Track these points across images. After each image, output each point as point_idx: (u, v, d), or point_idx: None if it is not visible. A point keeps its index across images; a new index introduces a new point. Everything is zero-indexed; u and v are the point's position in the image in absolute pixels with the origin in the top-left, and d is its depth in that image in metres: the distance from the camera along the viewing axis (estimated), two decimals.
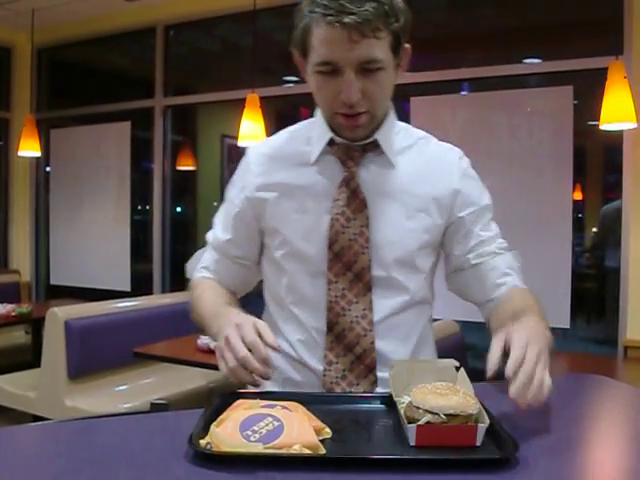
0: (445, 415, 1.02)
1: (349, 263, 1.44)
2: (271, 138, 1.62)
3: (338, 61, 1.32)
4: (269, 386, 1.48)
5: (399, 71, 1.44)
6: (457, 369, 1.21)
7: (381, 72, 1.36)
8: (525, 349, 1.15)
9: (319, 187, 1.48)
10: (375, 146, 1.48)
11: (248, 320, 1.25)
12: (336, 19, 1.28)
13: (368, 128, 1.45)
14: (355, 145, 1.47)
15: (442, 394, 1.05)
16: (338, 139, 1.47)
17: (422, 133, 1.60)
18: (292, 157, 1.52)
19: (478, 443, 1.00)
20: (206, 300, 1.53)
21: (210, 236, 1.65)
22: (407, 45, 1.42)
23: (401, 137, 1.54)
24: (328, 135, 1.47)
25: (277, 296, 1.55)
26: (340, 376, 1.43)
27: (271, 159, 1.54)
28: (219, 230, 1.62)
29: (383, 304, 1.47)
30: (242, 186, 1.56)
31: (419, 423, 1.01)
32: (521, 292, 1.51)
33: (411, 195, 1.49)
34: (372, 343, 1.44)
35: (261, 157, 1.55)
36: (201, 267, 1.64)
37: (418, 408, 1.04)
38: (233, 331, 1.22)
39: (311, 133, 1.52)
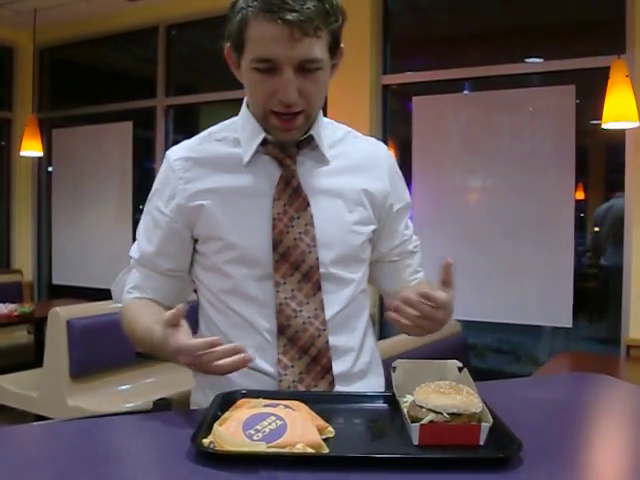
0: (448, 414, 1.02)
1: (296, 263, 1.41)
2: (191, 142, 1.53)
3: (277, 59, 1.29)
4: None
5: (334, 72, 1.43)
6: (460, 370, 1.21)
7: (319, 72, 1.34)
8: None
9: (256, 188, 1.43)
10: (309, 142, 1.46)
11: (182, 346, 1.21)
12: (278, 15, 1.24)
13: (303, 129, 1.43)
14: (290, 142, 1.44)
15: (445, 393, 1.05)
16: (271, 137, 1.43)
17: (347, 127, 1.58)
18: (222, 160, 1.46)
19: (481, 442, 1.00)
20: (139, 324, 1.43)
21: (135, 252, 1.55)
22: (342, 45, 1.40)
23: (330, 132, 1.52)
24: (261, 135, 1.43)
25: (220, 303, 1.47)
26: (297, 379, 1.38)
27: (199, 164, 1.47)
28: (144, 244, 1.52)
29: (333, 300, 1.45)
30: (170, 194, 1.47)
31: (422, 422, 1.01)
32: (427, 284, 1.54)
33: (349, 190, 1.48)
34: (327, 342, 1.41)
35: (187, 163, 1.47)
36: (129, 288, 1.53)
37: (421, 407, 1.04)
38: (180, 356, 1.21)
39: (238, 134, 1.47)
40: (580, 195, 5.07)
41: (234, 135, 1.48)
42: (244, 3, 1.30)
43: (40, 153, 5.67)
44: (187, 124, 6.81)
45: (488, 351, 4.90)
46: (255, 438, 0.94)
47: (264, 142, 1.44)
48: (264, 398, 1.09)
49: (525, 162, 4.11)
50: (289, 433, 0.96)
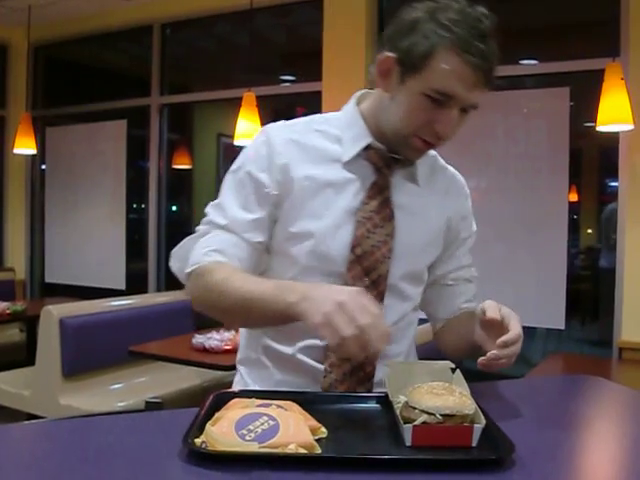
0: (441, 415, 1.02)
1: (368, 269, 1.43)
2: (292, 125, 1.51)
3: (457, 97, 1.32)
4: (259, 387, 1.47)
5: None
6: (453, 371, 1.21)
7: (468, 115, 1.40)
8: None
9: (347, 187, 1.45)
10: (408, 163, 1.50)
11: (357, 291, 1.18)
12: (474, 59, 1.28)
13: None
14: (391, 154, 1.46)
15: (438, 394, 1.05)
16: (376, 144, 1.45)
17: (432, 151, 1.59)
18: (320, 152, 1.46)
19: (474, 444, 1.00)
20: (248, 278, 1.35)
21: (220, 217, 1.45)
22: None
23: None
24: (367, 139, 1.45)
25: None
26: (340, 379, 1.40)
27: (299, 149, 1.46)
28: (236, 211, 1.44)
29: (391, 312, 1.46)
30: (268, 167, 1.44)
31: (415, 423, 1.01)
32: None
33: (432, 214, 1.53)
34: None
35: (289, 143, 1.46)
36: (210, 250, 1.40)
37: (414, 408, 1.04)
38: (349, 297, 1.14)
39: (339, 131, 1.48)
40: (574, 197, 5.09)
41: (334, 131, 1.49)
42: (436, 29, 1.30)
43: (34, 151, 5.65)
44: (181, 123, 6.81)
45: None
46: (247, 438, 0.94)
47: (367, 147, 1.45)
48: (257, 398, 1.09)
49: (519, 164, 4.12)
50: (281, 433, 0.95)
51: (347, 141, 1.47)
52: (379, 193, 1.45)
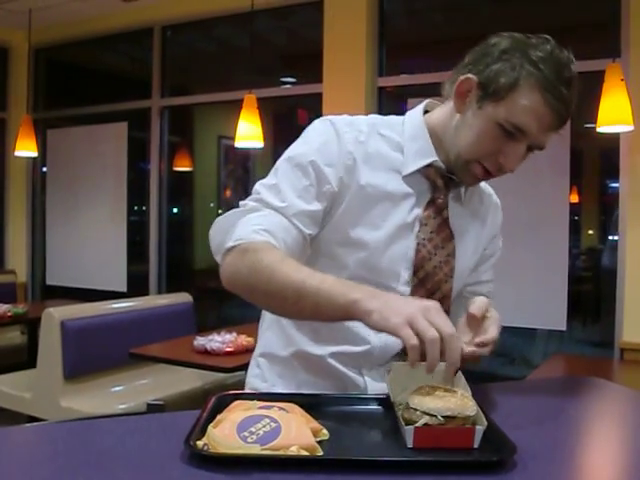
0: (443, 417, 1.02)
1: (431, 290, 1.43)
2: (359, 124, 1.45)
3: (529, 135, 1.32)
4: (280, 387, 1.48)
5: None
6: (455, 372, 1.21)
7: (531, 154, 1.40)
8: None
9: (404, 201, 1.43)
10: (459, 184, 1.49)
11: (436, 303, 1.13)
12: (556, 103, 1.29)
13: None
14: (448, 174, 1.45)
15: (439, 396, 1.05)
16: (439, 163, 1.44)
17: None
18: (384, 159, 1.44)
19: (475, 445, 0.99)
20: (303, 267, 1.27)
21: (276, 200, 1.37)
22: None
23: None
24: (432, 157, 1.43)
25: None
26: None
27: (365, 151, 1.42)
28: (293, 197, 1.37)
29: None
30: (335, 162, 1.39)
31: (417, 425, 1.01)
32: None
33: (473, 234, 1.54)
34: None
35: (357, 144, 1.42)
36: (261, 229, 1.32)
37: (415, 410, 1.04)
38: (433, 305, 1.11)
39: (402, 140, 1.46)
40: (574, 198, 5.08)
41: (397, 138, 1.46)
42: (525, 64, 1.30)
43: (35, 153, 5.65)
44: (182, 125, 6.81)
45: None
46: (249, 440, 0.94)
47: (429, 164, 1.44)
48: (258, 400, 1.09)
49: (520, 165, 4.11)
50: (283, 435, 0.95)
51: (410, 154, 1.44)
52: (438, 213, 1.45)
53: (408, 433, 1.00)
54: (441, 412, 1.02)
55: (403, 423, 1.03)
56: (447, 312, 1.42)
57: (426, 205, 1.44)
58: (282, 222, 1.35)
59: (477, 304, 1.27)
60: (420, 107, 1.52)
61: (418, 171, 1.44)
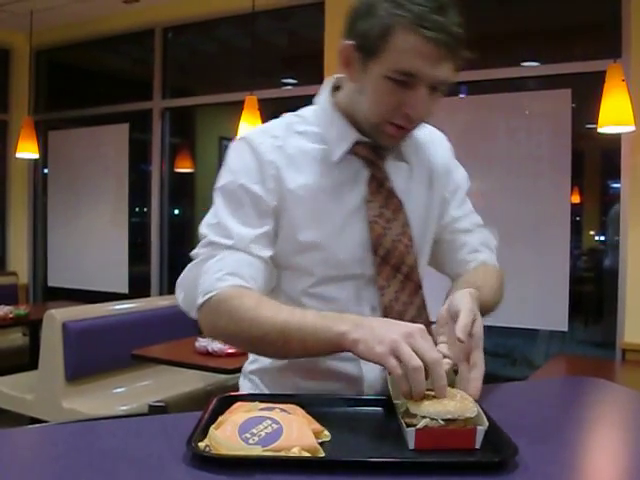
0: (443, 420, 1.01)
1: (397, 265, 1.40)
2: (272, 130, 1.43)
3: (421, 76, 1.26)
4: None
5: None
6: (456, 373, 1.21)
7: (440, 93, 1.34)
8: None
9: (344, 188, 1.41)
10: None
11: (420, 327, 1.12)
12: (431, 34, 1.22)
13: (405, 139, 1.44)
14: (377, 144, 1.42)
15: (439, 399, 1.05)
16: (363, 139, 1.40)
17: None
18: (308, 156, 1.41)
19: (477, 446, 0.99)
20: (281, 307, 1.26)
21: (223, 238, 1.36)
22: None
23: None
24: (354, 135, 1.40)
25: (295, 304, 1.37)
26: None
27: (286, 154, 1.40)
28: (238, 227, 1.36)
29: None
30: (261, 177, 1.37)
31: (418, 427, 1.01)
32: (485, 269, 1.53)
33: (425, 187, 1.50)
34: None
35: (275, 151, 1.39)
36: (224, 274, 1.30)
37: (415, 415, 1.04)
38: (417, 330, 1.09)
39: (322, 130, 1.43)
40: (576, 199, 5.08)
41: (316, 129, 1.43)
42: (391, 9, 1.25)
43: (36, 155, 5.67)
44: (183, 126, 6.81)
45: (484, 354, 4.90)
46: (251, 442, 0.94)
47: (354, 142, 1.41)
48: (260, 401, 1.09)
49: (521, 165, 4.12)
50: (285, 437, 0.95)
51: (332, 140, 1.42)
52: (381, 186, 1.41)
53: (409, 435, 1.00)
54: (441, 415, 1.02)
55: (404, 425, 1.03)
56: (418, 283, 1.43)
57: (368, 182, 1.41)
58: (240, 258, 1.33)
59: (461, 322, 1.17)
60: (326, 90, 1.47)
61: (348, 154, 1.41)
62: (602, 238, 4.88)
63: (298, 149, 1.41)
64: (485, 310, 1.33)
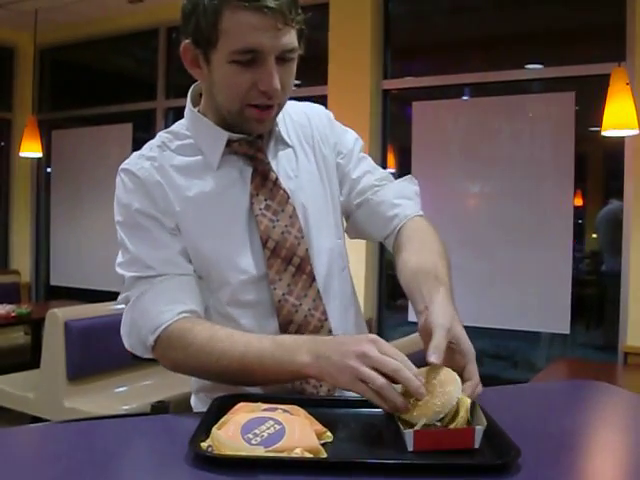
0: (438, 422, 1.02)
1: (287, 257, 1.37)
2: (147, 152, 1.43)
3: (263, 49, 1.24)
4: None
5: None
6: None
7: (293, 62, 1.31)
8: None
9: (231, 191, 1.39)
10: (271, 131, 1.44)
11: (369, 337, 1.11)
12: (261, 4, 1.19)
13: (274, 121, 1.41)
14: (254, 137, 1.40)
15: (423, 403, 1.04)
16: (235, 136, 1.38)
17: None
18: (187, 169, 1.38)
19: (476, 445, 0.99)
20: (234, 337, 1.24)
21: (143, 270, 1.33)
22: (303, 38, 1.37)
23: None
24: (224, 136, 1.37)
25: (219, 316, 1.39)
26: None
27: (166, 174, 1.38)
28: (153, 253, 1.33)
29: (327, 289, 1.43)
30: (149, 201, 1.35)
31: (416, 428, 1.01)
32: (420, 234, 1.47)
33: (314, 164, 1.48)
34: (330, 331, 1.39)
35: (155, 172, 1.38)
36: (165, 307, 1.29)
37: (415, 424, 1.03)
38: (367, 345, 1.08)
39: (194, 140, 1.41)
40: (579, 202, 5.08)
41: (188, 142, 1.42)
42: None
43: (39, 154, 5.67)
44: None
45: (485, 357, 4.91)
46: (253, 442, 0.94)
47: (228, 142, 1.38)
48: (263, 402, 1.09)
49: (524, 168, 4.12)
50: (287, 437, 0.95)
51: (207, 146, 1.40)
52: (265, 179, 1.39)
53: (408, 437, 1.00)
54: (432, 420, 1.02)
55: (402, 428, 1.03)
56: (311, 274, 1.39)
57: (252, 178, 1.39)
58: (171, 284, 1.32)
59: (432, 343, 1.10)
60: (188, 101, 1.45)
61: (227, 155, 1.39)
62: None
63: (176, 166, 1.39)
64: (452, 292, 1.29)
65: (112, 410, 3.63)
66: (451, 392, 1.04)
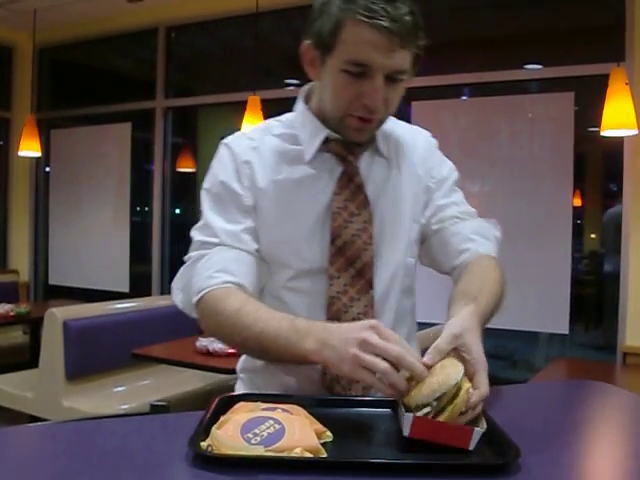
0: (435, 401, 1.02)
1: (352, 259, 1.42)
2: (249, 133, 1.52)
3: (373, 65, 1.30)
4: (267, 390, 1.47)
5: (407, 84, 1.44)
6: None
7: (401, 83, 1.37)
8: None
9: (316, 182, 1.45)
10: (370, 140, 1.48)
11: (371, 323, 1.14)
12: (380, 23, 1.25)
13: (374, 133, 1.46)
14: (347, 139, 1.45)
15: (422, 383, 1.05)
16: (334, 135, 1.45)
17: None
18: (282, 155, 1.47)
19: (471, 447, 0.99)
20: (259, 312, 1.30)
21: (210, 237, 1.43)
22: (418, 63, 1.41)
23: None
24: (323, 132, 1.45)
25: (272, 298, 1.47)
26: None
27: (260, 154, 1.47)
28: (223, 224, 1.43)
29: (383, 300, 1.46)
30: (237, 176, 1.46)
31: (417, 414, 1.01)
32: (482, 270, 1.47)
33: (404, 187, 1.51)
34: None
35: (250, 152, 1.47)
36: (214, 272, 1.37)
37: (415, 407, 1.04)
38: (369, 331, 1.11)
39: (296, 131, 1.49)
40: (578, 202, 5.09)
41: (291, 132, 1.49)
42: (340, 4, 1.30)
43: (38, 153, 5.67)
44: (186, 126, 6.81)
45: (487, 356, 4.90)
46: (253, 442, 0.94)
47: (326, 140, 1.45)
48: (262, 402, 1.09)
49: (523, 168, 4.12)
50: (287, 437, 0.95)
51: (305, 140, 1.47)
52: (350, 181, 1.44)
53: (406, 420, 1.00)
54: (430, 398, 1.02)
55: (403, 410, 1.03)
56: (370, 281, 1.42)
57: (339, 177, 1.44)
58: (230, 254, 1.40)
59: (433, 344, 1.13)
60: (300, 97, 1.54)
61: (321, 151, 1.45)
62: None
63: (273, 149, 1.48)
64: (486, 319, 1.32)
65: (111, 410, 3.64)
66: (450, 374, 1.05)
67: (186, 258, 1.47)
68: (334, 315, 1.41)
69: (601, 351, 4.82)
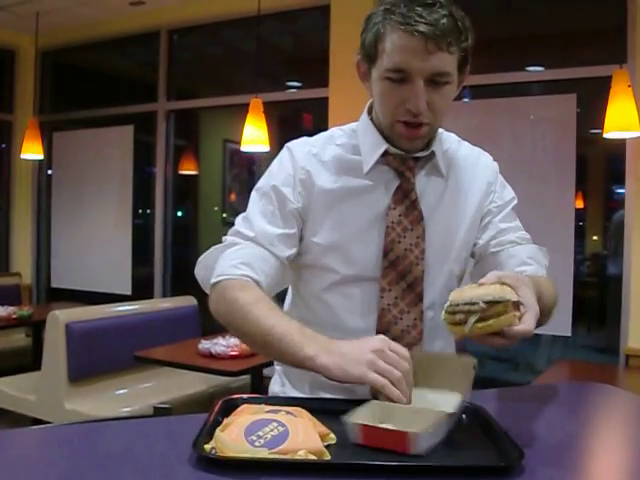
0: (485, 302, 1.04)
1: (403, 272, 1.45)
2: (313, 140, 1.56)
3: (410, 70, 1.33)
4: (295, 392, 1.50)
5: (459, 88, 1.47)
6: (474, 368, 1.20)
7: (447, 86, 1.38)
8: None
9: (372, 194, 1.47)
10: (430, 158, 1.51)
11: (382, 338, 1.20)
12: (414, 28, 1.29)
13: (426, 140, 1.49)
14: (410, 155, 1.48)
15: (480, 286, 1.09)
16: (393, 149, 1.47)
17: (453, 136, 1.63)
18: (342, 164, 1.50)
19: (412, 451, 0.98)
20: (271, 312, 1.33)
21: (247, 230, 1.47)
22: (469, 64, 1.45)
23: (443, 142, 1.57)
24: (383, 146, 1.47)
25: (316, 299, 1.52)
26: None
27: (320, 161, 1.51)
28: (264, 224, 1.47)
29: (431, 314, 1.49)
30: (292, 182, 1.49)
31: (359, 422, 1.02)
32: (538, 277, 1.49)
33: (462, 206, 1.53)
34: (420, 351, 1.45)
35: (310, 158, 1.51)
36: (239, 263, 1.41)
37: (457, 305, 1.07)
38: (383, 344, 1.17)
39: (357, 142, 1.52)
40: (580, 204, 5.08)
41: (353, 142, 1.52)
42: (380, 17, 1.35)
43: (41, 156, 5.67)
44: (188, 128, 6.82)
45: (486, 359, 4.90)
46: (257, 444, 0.94)
47: (385, 153, 1.47)
48: (266, 404, 1.09)
49: (525, 170, 4.11)
50: (291, 440, 0.95)
51: (365, 151, 1.49)
52: (405, 197, 1.47)
53: (352, 429, 1.02)
54: (482, 298, 1.05)
55: (350, 420, 1.04)
56: (420, 294, 1.46)
57: (395, 191, 1.47)
58: (258, 252, 1.45)
59: (496, 273, 1.16)
60: (365, 108, 1.57)
61: (379, 163, 1.48)
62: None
63: (333, 157, 1.51)
64: (544, 310, 1.25)
65: (113, 412, 3.63)
66: (508, 291, 1.07)
67: (224, 238, 1.51)
68: (385, 327, 1.45)
69: (603, 353, 4.82)
